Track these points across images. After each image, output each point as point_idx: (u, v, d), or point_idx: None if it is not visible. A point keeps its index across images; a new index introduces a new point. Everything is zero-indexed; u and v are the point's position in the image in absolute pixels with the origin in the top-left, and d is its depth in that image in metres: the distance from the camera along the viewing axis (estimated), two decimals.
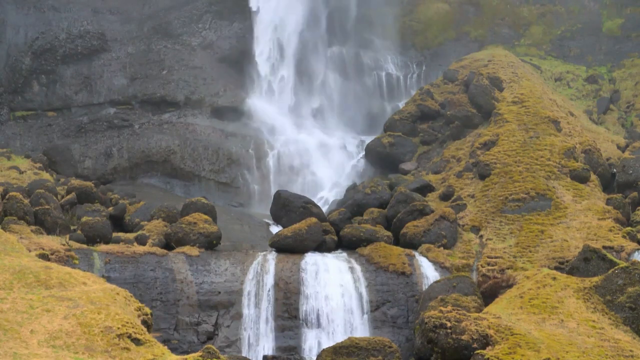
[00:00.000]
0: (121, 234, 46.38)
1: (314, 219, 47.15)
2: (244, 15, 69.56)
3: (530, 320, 37.17)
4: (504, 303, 39.49)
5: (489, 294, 43.56)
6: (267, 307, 43.17)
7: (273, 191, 56.84)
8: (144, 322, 33.56)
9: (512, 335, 35.19)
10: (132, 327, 30.92)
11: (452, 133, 59.11)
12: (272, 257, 45.00)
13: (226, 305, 43.22)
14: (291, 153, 64.65)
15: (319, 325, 42.86)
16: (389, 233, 47.88)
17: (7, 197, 45.17)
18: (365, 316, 43.37)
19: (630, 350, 35.19)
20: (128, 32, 67.70)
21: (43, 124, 64.10)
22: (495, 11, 75.92)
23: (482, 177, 52.21)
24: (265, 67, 69.47)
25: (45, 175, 55.54)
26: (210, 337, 42.44)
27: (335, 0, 73.14)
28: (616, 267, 39.32)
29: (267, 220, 55.17)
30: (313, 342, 42.46)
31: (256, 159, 63.71)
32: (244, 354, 41.98)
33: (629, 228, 46.99)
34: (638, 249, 44.59)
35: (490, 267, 45.01)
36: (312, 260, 44.76)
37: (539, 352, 34.10)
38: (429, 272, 44.87)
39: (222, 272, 44.05)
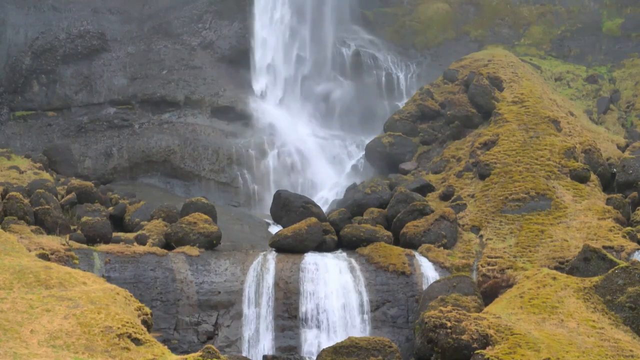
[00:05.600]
0: (121, 234, 46.37)
1: (314, 219, 47.14)
2: (244, 15, 69.57)
3: (530, 320, 37.18)
4: (504, 303, 39.50)
5: (489, 294, 43.56)
6: (267, 307, 43.17)
7: (273, 191, 56.85)
8: (144, 322, 33.57)
9: (512, 335, 35.20)
10: (132, 327, 30.93)
11: (452, 133, 59.12)
12: (272, 257, 45.01)
13: (226, 305, 43.24)
14: (291, 153, 64.66)
15: (318, 325, 42.87)
16: (389, 233, 47.88)
17: (7, 197, 45.15)
18: (365, 316, 43.36)
19: (630, 350, 35.20)
20: (128, 32, 67.73)
21: (43, 124, 64.13)
22: (495, 11, 75.94)
23: (482, 177, 52.21)
24: (265, 67, 69.47)
25: (45, 175, 55.53)
26: (210, 337, 42.46)
27: (335, 0, 73.16)
28: (616, 267, 39.33)
29: (267, 220, 55.18)
30: (313, 342, 42.47)
31: (256, 159, 63.72)
32: (244, 354, 41.99)
33: (629, 228, 46.99)
34: (638, 249, 44.58)
35: (490, 267, 45.02)
36: (312, 260, 44.76)
37: (539, 352, 34.11)
38: (429, 272, 44.87)
39: (222, 272, 44.06)
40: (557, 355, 34.03)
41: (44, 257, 39.44)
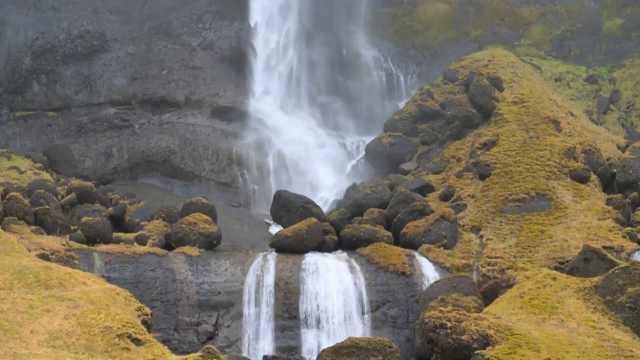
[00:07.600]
0: (121, 234, 46.37)
1: (314, 219, 47.14)
2: (244, 15, 69.58)
3: (530, 320, 37.18)
4: (504, 303, 39.50)
5: (489, 294, 43.57)
6: (267, 307, 43.17)
7: (273, 191, 56.84)
8: (144, 322, 33.56)
9: (512, 335, 35.20)
10: (132, 327, 30.93)
11: (452, 133, 59.12)
12: (272, 257, 45.00)
13: (226, 305, 43.23)
14: (291, 153, 64.65)
15: (318, 325, 42.86)
16: (389, 233, 47.87)
17: (7, 197, 45.15)
18: (365, 316, 43.37)
19: (630, 351, 35.20)
20: (128, 32, 67.73)
21: (43, 124, 64.14)
22: (495, 11, 75.94)
23: (482, 177, 52.21)
24: (265, 67, 69.46)
25: (45, 175, 55.52)
26: (210, 337, 42.46)
27: (335, 0, 73.16)
28: (616, 267, 39.33)
29: (267, 220, 55.17)
30: (313, 342, 42.47)
31: (256, 159, 63.72)
32: (244, 354, 41.99)
33: (629, 228, 46.99)
34: (638, 249, 44.58)
35: (490, 267, 45.02)
36: (312, 260, 44.75)
37: (539, 352, 34.11)
38: (429, 272, 44.87)
39: (222, 272, 44.06)
40: (557, 355, 34.03)
41: (44, 257, 39.43)
